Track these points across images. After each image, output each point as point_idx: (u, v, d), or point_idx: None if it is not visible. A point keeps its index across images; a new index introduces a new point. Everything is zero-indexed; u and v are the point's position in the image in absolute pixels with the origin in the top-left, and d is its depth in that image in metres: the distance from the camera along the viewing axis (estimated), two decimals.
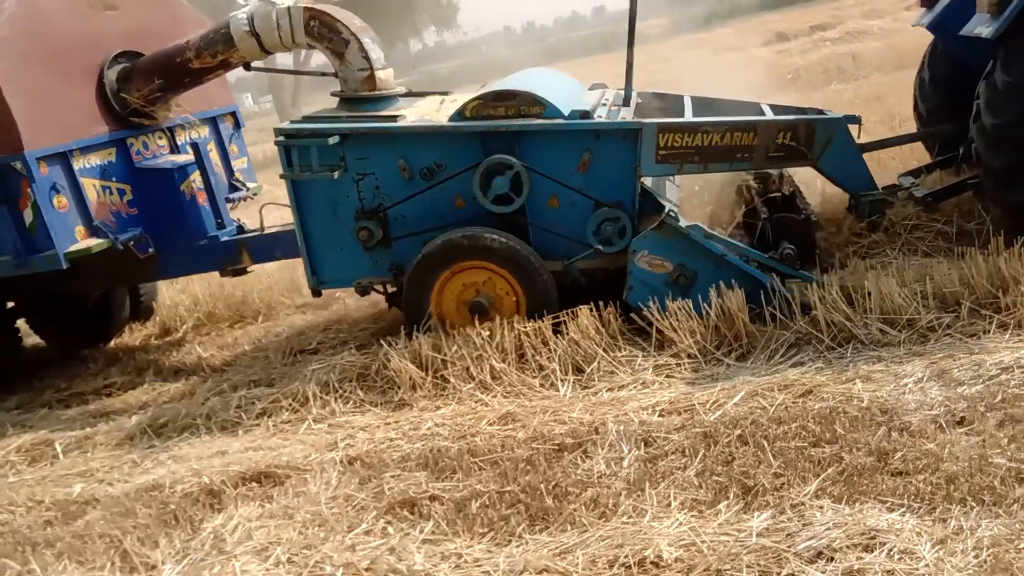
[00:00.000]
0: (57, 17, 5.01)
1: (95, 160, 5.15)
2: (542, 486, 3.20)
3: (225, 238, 5.46)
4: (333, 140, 4.55)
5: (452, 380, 4.24)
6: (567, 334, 4.28)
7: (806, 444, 3.17)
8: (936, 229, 5.03)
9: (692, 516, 2.88)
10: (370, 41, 4.86)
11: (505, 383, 4.16)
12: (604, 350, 4.19)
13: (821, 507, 2.78)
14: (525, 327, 4.35)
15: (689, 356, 4.10)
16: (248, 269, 5.64)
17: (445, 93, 5.47)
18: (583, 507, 3.03)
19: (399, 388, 4.31)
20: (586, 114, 4.48)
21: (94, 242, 5.03)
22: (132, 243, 5.19)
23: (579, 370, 4.15)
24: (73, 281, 5.54)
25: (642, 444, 3.41)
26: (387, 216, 4.70)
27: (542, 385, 4.12)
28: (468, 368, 4.26)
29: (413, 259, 4.56)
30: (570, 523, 2.97)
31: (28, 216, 4.89)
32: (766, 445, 3.20)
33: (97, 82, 5.20)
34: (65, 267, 4.92)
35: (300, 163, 4.62)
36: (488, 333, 4.35)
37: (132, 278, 5.98)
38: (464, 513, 3.14)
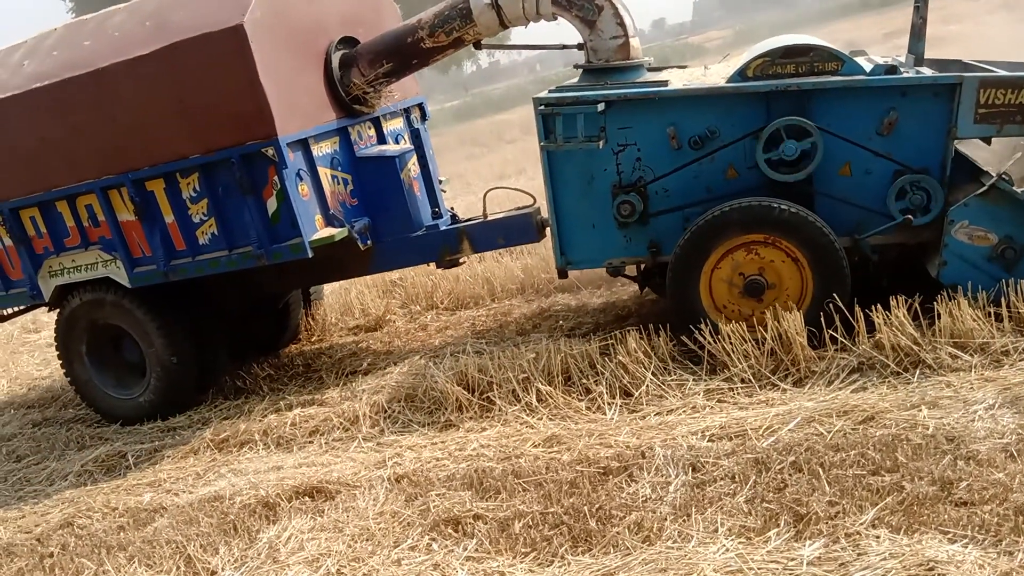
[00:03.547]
0: (292, 1, 4.88)
1: (326, 148, 4.99)
2: (586, 508, 3.14)
3: (444, 227, 5.26)
4: (601, 106, 4.25)
5: (498, 402, 4.23)
6: (615, 357, 4.22)
7: (864, 472, 3.02)
8: None
9: (740, 543, 2.77)
10: (622, 6, 4.58)
11: (551, 406, 4.12)
12: (653, 374, 4.10)
13: (878, 537, 2.63)
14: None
15: (743, 381, 3.97)
16: (461, 260, 5.39)
17: (682, 67, 5.30)
18: (627, 530, 2.96)
19: (446, 409, 4.34)
20: (893, 69, 4.08)
21: (335, 231, 4.83)
22: (359, 234, 5.00)
23: (627, 394, 4.08)
24: (286, 277, 5.50)
25: (690, 469, 3.31)
26: (647, 190, 4.38)
27: (588, 408, 4.06)
28: (514, 390, 4.25)
29: (683, 233, 4.21)
30: (613, 546, 2.90)
31: (272, 205, 4.71)
32: (821, 472, 3.06)
33: (324, 68, 5.03)
34: (310, 255, 4.74)
35: (563, 133, 4.30)
36: (534, 356, 4.32)
37: (342, 273, 5.64)
38: (507, 532, 3.12)
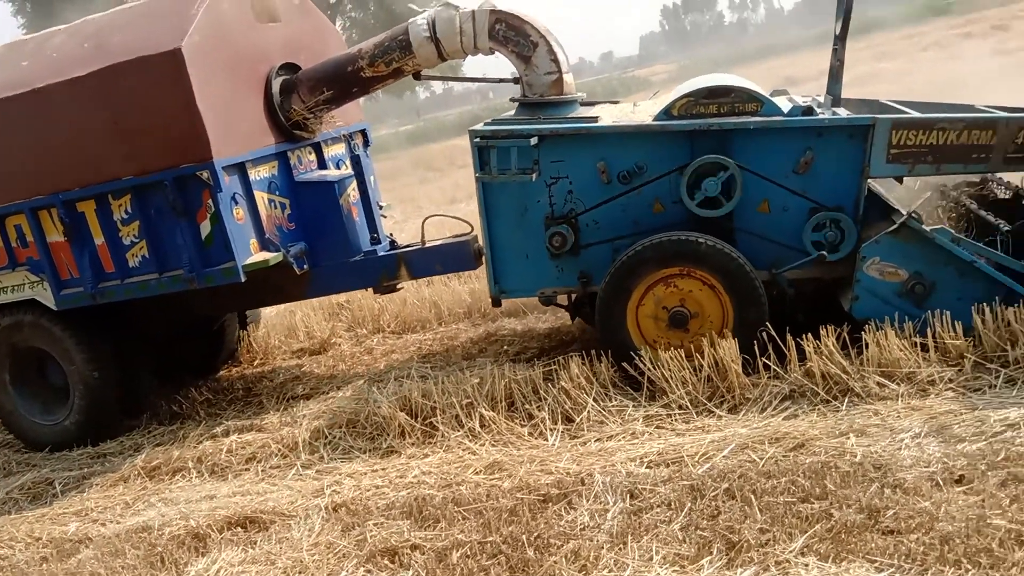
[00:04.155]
0: (233, 27, 4.88)
1: (264, 172, 5.01)
2: (524, 537, 3.13)
3: (382, 253, 5.31)
4: (535, 140, 4.37)
5: (441, 427, 4.21)
6: (557, 383, 4.24)
7: (795, 499, 3.08)
8: None
9: (674, 571, 2.80)
10: (556, 43, 4.70)
11: (494, 431, 4.11)
12: (595, 400, 4.13)
13: (806, 565, 2.69)
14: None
15: (680, 407, 4.03)
16: (399, 286, 5.46)
17: (614, 102, 5.43)
18: (564, 559, 2.96)
19: (388, 434, 4.29)
20: (809, 110, 4.25)
21: (270, 255, 4.85)
22: (295, 258, 5.02)
23: (569, 419, 4.10)
24: (220, 300, 5.41)
25: (628, 496, 3.33)
26: (578, 222, 4.51)
27: (531, 434, 4.07)
28: (457, 415, 4.23)
29: (609, 265, 4.35)
30: None
31: (205, 228, 4.71)
32: (753, 500, 3.11)
33: (264, 93, 5.08)
34: (243, 280, 4.74)
35: (498, 165, 4.42)
36: (478, 381, 4.31)
37: (279, 297, 5.65)
38: (444, 563, 3.09)
